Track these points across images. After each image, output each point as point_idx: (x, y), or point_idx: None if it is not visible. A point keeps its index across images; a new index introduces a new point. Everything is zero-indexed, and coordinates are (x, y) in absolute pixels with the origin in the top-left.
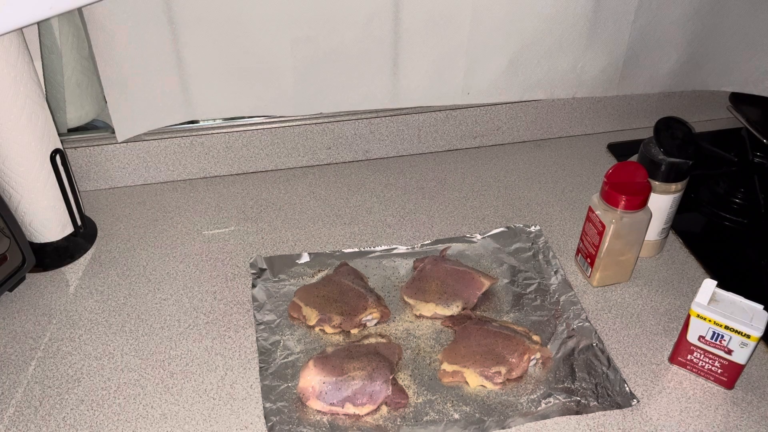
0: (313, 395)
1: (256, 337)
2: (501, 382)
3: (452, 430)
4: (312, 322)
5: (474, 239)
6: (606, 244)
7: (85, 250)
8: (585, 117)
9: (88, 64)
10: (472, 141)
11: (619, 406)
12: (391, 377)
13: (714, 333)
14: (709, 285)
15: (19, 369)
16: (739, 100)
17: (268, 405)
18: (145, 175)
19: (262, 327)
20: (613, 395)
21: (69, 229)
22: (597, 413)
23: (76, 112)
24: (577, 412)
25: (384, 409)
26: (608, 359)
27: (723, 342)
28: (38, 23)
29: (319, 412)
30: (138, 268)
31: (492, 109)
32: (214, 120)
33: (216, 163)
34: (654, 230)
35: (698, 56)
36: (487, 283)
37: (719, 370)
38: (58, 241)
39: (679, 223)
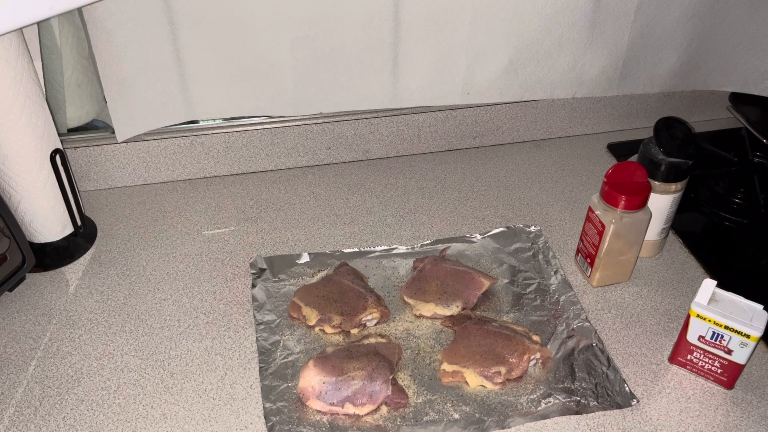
0: (313, 395)
1: (256, 337)
2: (501, 382)
3: (452, 430)
4: (312, 322)
5: (474, 239)
6: (606, 244)
7: (85, 250)
8: (585, 117)
9: (88, 64)
10: (472, 141)
11: (619, 406)
12: (391, 377)
13: (714, 333)
14: (708, 285)
15: (19, 369)
16: (739, 100)
17: (268, 405)
18: (145, 175)
19: (262, 327)
20: (613, 395)
21: (69, 229)
22: (597, 413)
23: (76, 112)
24: (577, 412)
25: (384, 409)
26: (608, 359)
27: (723, 342)
28: (38, 23)
29: (319, 412)
30: (138, 268)
31: (492, 109)
32: (214, 120)
33: (216, 163)
34: (654, 230)
35: (698, 56)
36: (487, 283)
37: (719, 370)
38: (58, 241)
39: (679, 223)
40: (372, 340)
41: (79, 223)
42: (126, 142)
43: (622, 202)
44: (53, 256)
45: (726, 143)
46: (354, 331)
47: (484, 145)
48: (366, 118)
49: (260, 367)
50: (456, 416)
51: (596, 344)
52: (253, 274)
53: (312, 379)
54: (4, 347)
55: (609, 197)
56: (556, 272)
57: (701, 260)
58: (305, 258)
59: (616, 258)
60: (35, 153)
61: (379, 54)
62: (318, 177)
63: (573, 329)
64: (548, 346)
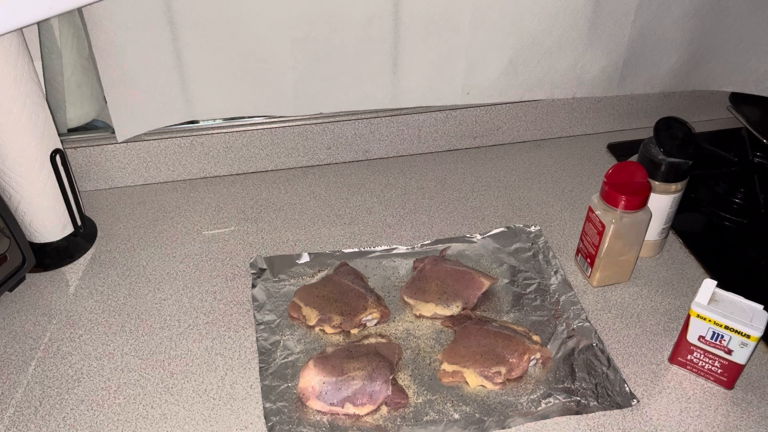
0: (313, 395)
1: (256, 337)
2: (501, 382)
3: (452, 430)
4: (312, 322)
5: (474, 239)
6: (606, 244)
7: (85, 250)
8: (585, 117)
9: (88, 64)
10: (472, 141)
11: (619, 406)
12: (391, 377)
13: (714, 333)
14: (709, 285)
15: (19, 369)
16: (739, 100)
17: (268, 405)
18: (145, 175)
19: (262, 327)
20: (613, 395)
21: (69, 229)
22: (597, 413)
23: (76, 112)
24: (577, 412)
25: (384, 409)
26: (608, 359)
27: (723, 342)
28: (38, 23)
29: (319, 412)
30: (138, 268)
31: (492, 109)
32: (214, 120)
33: (216, 163)
34: (654, 230)
35: (698, 56)
36: (487, 283)
37: (719, 370)
38: (58, 241)
39: (679, 223)
40: (372, 340)
41: (79, 223)
42: (126, 142)
43: (622, 202)
44: (53, 256)
45: (726, 143)
46: (354, 331)
47: (484, 145)
48: (366, 118)
49: (260, 367)
50: (456, 416)
51: (596, 344)
52: (253, 274)
53: (312, 379)
54: (4, 347)
55: (609, 197)
56: (556, 272)
57: (701, 260)
58: (305, 258)
59: (616, 258)
60: (35, 153)
61: (379, 54)
62: (318, 177)
63: (573, 329)
64: (548, 346)
